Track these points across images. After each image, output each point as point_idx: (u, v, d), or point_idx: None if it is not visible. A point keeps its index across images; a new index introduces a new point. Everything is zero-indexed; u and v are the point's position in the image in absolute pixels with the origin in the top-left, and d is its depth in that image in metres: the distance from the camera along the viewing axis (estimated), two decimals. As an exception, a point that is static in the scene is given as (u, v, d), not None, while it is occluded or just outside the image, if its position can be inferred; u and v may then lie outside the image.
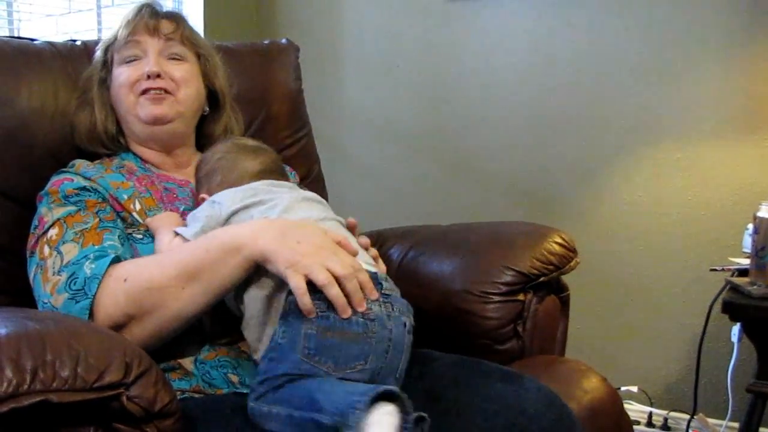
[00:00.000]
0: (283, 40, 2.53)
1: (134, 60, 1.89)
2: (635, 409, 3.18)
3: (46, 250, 1.65)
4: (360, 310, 1.46)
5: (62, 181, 1.76)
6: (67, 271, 1.58)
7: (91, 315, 1.54)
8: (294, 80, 2.49)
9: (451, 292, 2.04)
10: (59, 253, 1.62)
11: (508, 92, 3.37)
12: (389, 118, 3.68)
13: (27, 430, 1.11)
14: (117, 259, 1.60)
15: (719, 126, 2.97)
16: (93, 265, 1.58)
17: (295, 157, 2.41)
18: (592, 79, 3.19)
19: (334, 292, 1.45)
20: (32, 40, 2.13)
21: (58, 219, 1.68)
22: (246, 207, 1.66)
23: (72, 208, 1.71)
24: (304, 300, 1.44)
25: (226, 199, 1.68)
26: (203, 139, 2.06)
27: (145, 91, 1.86)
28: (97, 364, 1.16)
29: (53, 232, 1.67)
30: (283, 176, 1.86)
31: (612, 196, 3.20)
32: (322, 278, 1.44)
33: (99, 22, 3.49)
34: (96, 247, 1.62)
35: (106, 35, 1.99)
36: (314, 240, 1.51)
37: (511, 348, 2.01)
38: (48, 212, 1.71)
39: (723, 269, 2.64)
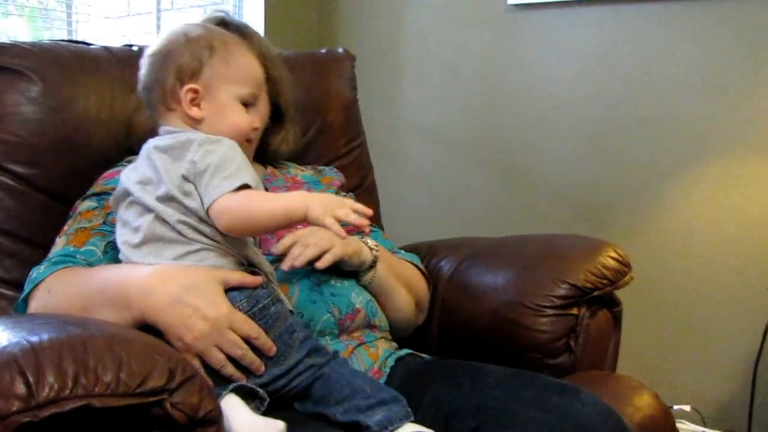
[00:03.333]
0: (340, 49, 2.52)
1: None
2: (688, 429, 3.13)
3: (57, 239, 1.71)
4: (258, 373, 1.47)
5: (113, 175, 1.79)
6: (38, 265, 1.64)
7: None
8: (349, 90, 2.48)
9: (504, 303, 2.02)
10: (55, 245, 1.70)
11: (567, 104, 3.33)
12: (447, 127, 3.66)
13: (68, 435, 1.11)
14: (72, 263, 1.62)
15: (779, 143, 2.92)
16: (41, 269, 1.61)
17: (349, 166, 2.41)
18: (651, 93, 3.15)
19: (228, 372, 1.44)
20: (88, 44, 2.14)
21: (80, 212, 1.74)
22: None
23: (93, 204, 1.75)
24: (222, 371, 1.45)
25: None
26: (260, 148, 1.99)
27: None
28: (140, 369, 1.16)
29: (69, 222, 1.74)
30: None
31: (668, 212, 3.15)
32: (215, 362, 1.43)
33: (158, 26, 3.52)
34: (71, 248, 1.65)
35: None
36: (208, 313, 1.43)
37: (563, 362, 1.98)
38: (80, 203, 1.78)
39: (780, 288, 2.61)
